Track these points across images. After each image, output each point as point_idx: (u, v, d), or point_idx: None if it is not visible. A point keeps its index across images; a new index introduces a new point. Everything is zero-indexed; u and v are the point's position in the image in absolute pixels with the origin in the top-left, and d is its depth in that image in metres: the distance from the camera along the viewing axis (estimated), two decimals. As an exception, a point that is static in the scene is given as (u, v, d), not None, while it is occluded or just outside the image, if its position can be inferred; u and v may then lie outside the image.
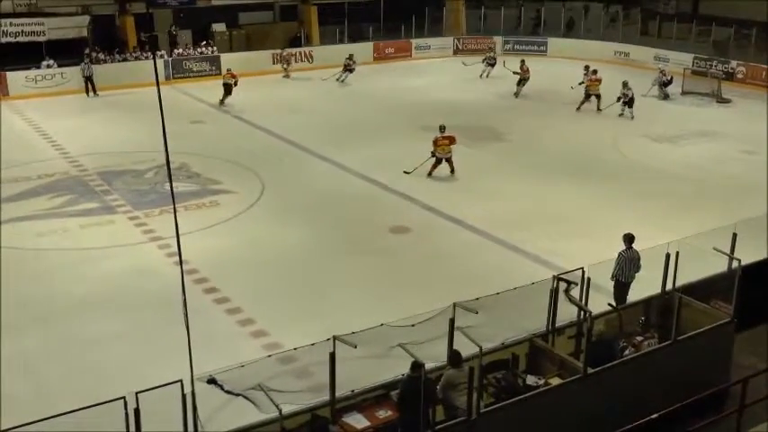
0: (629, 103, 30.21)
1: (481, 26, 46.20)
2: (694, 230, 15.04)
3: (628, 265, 13.89)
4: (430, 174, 22.90)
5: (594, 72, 31.84)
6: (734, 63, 37.65)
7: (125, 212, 20.26)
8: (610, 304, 12.14)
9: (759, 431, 10.60)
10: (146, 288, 15.84)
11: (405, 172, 22.93)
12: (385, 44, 43.22)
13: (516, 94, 34.08)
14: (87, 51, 35.25)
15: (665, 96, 33.73)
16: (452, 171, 23.09)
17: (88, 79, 34.16)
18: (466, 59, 40.90)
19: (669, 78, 33.93)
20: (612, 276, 14.03)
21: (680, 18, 43.96)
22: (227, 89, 32.52)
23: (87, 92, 34.18)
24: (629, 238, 14.02)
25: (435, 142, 22.94)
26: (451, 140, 22.99)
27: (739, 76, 37.32)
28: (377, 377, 10.11)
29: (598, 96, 31.00)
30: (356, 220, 19.93)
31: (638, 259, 13.84)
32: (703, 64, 37.90)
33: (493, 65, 38.31)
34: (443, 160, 22.94)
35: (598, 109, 30.93)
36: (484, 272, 16.51)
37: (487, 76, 38.16)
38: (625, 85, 30.38)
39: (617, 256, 13.98)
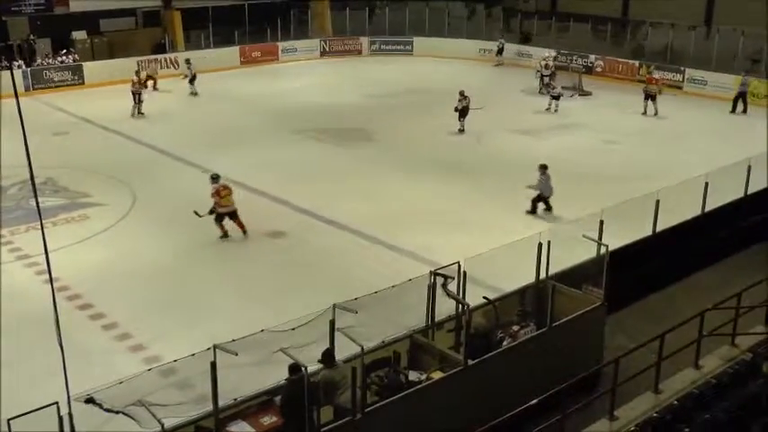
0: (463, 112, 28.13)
1: (347, 27, 46.36)
2: (564, 220, 15.50)
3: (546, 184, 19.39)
4: (224, 235, 18.66)
5: None
6: (592, 57, 39.16)
7: (-12, 231, 19.48)
8: (485, 297, 12.37)
9: (631, 407, 11.05)
10: (16, 309, 15.15)
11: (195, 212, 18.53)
12: (251, 48, 42.79)
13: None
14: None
15: (550, 92, 32.43)
16: (244, 231, 18.81)
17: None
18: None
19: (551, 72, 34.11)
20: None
21: (540, 16, 45.37)
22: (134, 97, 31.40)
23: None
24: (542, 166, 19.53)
25: (218, 193, 18.48)
26: (229, 191, 18.75)
27: (598, 69, 38.85)
28: (260, 383, 10.06)
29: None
30: (230, 226, 19.67)
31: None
32: (564, 58, 39.12)
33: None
34: (227, 217, 18.62)
35: None
36: (361, 271, 16.65)
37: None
38: (462, 95, 28.16)
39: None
